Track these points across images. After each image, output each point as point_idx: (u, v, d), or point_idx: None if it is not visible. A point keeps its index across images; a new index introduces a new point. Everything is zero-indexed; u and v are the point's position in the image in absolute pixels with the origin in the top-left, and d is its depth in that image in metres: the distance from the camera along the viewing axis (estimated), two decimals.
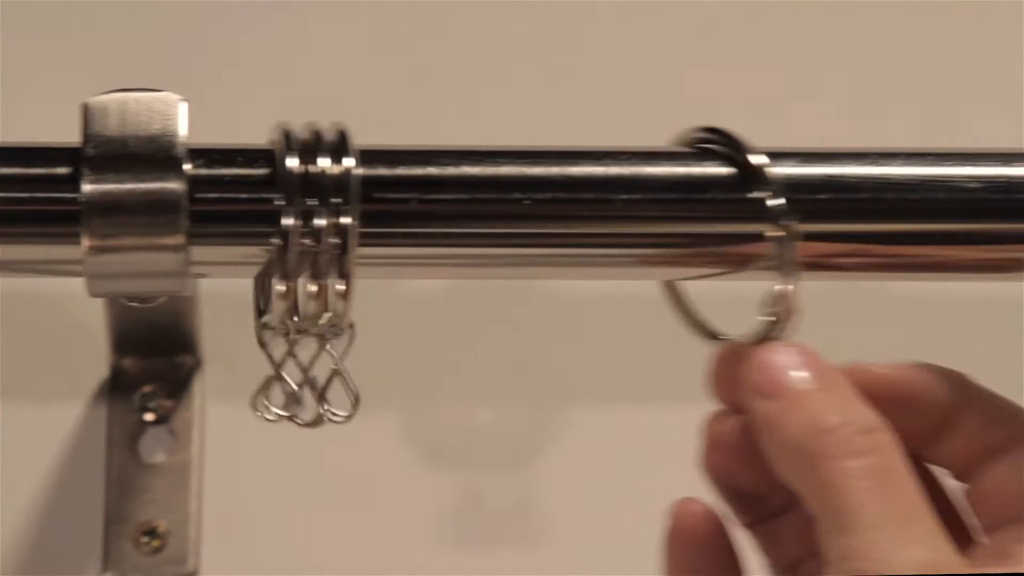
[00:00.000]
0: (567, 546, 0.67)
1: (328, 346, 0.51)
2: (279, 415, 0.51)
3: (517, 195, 0.51)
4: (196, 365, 0.68)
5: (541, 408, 0.68)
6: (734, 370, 0.49)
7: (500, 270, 0.54)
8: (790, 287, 0.49)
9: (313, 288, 0.50)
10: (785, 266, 0.49)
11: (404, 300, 0.69)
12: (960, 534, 0.50)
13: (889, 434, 0.47)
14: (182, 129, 0.50)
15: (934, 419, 0.50)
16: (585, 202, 0.52)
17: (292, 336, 0.51)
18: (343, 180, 0.49)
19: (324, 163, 0.49)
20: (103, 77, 0.66)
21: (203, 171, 0.51)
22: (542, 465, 0.68)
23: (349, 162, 0.50)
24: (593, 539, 0.67)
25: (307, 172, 0.49)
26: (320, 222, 0.49)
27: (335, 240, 0.49)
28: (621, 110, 0.69)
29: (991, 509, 0.50)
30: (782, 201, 0.49)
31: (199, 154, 0.51)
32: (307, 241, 0.49)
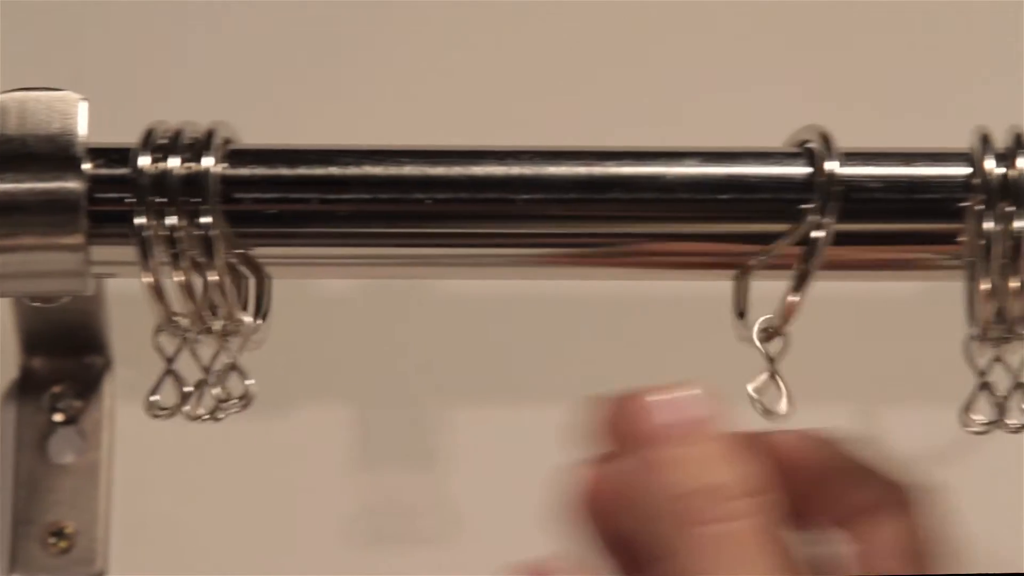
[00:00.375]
0: (480, 544, 0.67)
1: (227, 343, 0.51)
2: (169, 410, 0.51)
3: (418, 195, 0.52)
4: (106, 365, 0.68)
5: (450, 407, 0.68)
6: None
7: (405, 270, 0.54)
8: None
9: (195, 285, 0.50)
10: None
11: (318, 300, 0.68)
12: None
13: (766, 499, 0.46)
14: (81, 128, 0.50)
15: (803, 486, 0.50)
16: (487, 202, 0.52)
17: (192, 335, 0.51)
18: (199, 179, 0.49)
19: (176, 162, 0.50)
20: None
21: (103, 171, 0.50)
22: (451, 465, 0.68)
23: (208, 161, 0.50)
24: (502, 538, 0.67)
25: (165, 172, 0.49)
26: (171, 220, 0.49)
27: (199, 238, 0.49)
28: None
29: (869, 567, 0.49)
30: None
31: (99, 153, 0.50)
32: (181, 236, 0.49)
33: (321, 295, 0.68)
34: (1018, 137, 0.51)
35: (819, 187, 0.50)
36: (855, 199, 0.51)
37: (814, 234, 0.50)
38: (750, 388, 0.51)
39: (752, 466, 0.46)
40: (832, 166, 0.50)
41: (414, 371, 0.68)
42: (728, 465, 0.46)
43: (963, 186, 0.51)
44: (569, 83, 0.67)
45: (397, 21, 0.68)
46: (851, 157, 0.51)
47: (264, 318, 0.53)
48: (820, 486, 0.50)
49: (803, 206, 0.51)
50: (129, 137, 0.51)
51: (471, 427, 0.67)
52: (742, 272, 0.52)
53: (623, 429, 0.47)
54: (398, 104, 0.68)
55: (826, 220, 0.50)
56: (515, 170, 0.52)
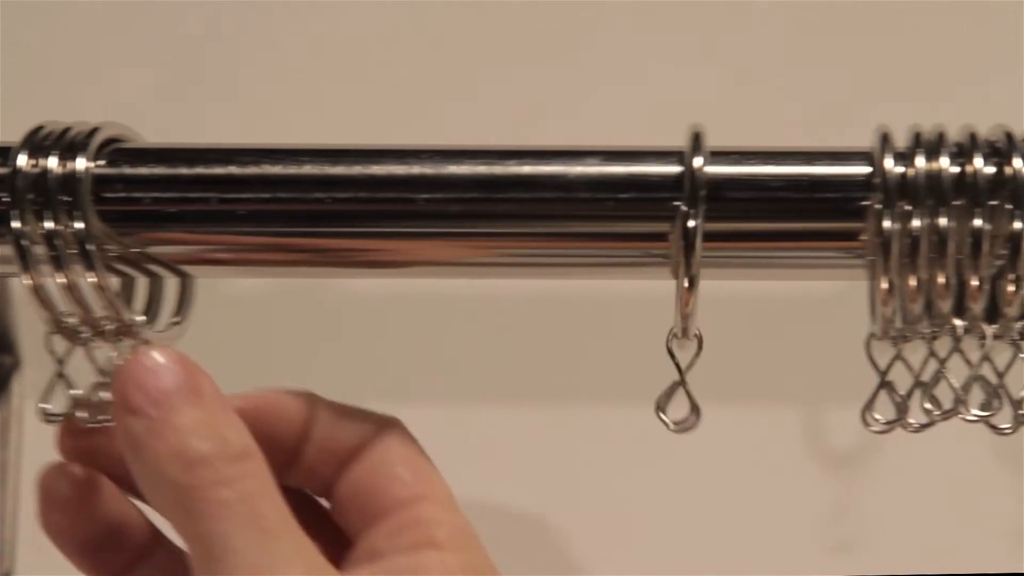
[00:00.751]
0: None
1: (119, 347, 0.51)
2: (62, 415, 0.50)
3: (318, 194, 0.51)
4: (14, 365, 0.67)
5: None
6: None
7: (305, 269, 0.53)
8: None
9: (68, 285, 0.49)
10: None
11: (227, 300, 0.68)
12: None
13: (258, 457, 0.46)
14: None
15: (290, 442, 0.50)
16: (387, 201, 0.51)
17: (85, 337, 0.51)
18: (72, 179, 0.49)
19: (54, 162, 0.49)
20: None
21: None
22: None
23: (81, 162, 0.49)
24: None
25: (44, 171, 0.49)
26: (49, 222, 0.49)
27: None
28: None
29: (355, 516, 0.50)
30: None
31: None
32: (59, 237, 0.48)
33: (228, 294, 0.68)
34: (917, 137, 0.51)
35: (686, 185, 0.50)
36: (753, 198, 0.51)
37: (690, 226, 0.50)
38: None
39: (236, 430, 0.46)
40: (699, 164, 0.50)
41: (321, 370, 0.67)
42: (237, 426, 0.46)
43: (863, 185, 0.51)
44: (472, 82, 0.67)
45: (298, 19, 0.67)
46: (749, 156, 0.51)
47: (180, 317, 0.53)
48: (306, 440, 0.50)
49: (676, 203, 0.50)
50: None
51: None
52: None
53: (122, 391, 0.46)
54: (297, 104, 0.67)
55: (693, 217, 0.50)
56: (415, 169, 0.51)
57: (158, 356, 0.46)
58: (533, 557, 0.67)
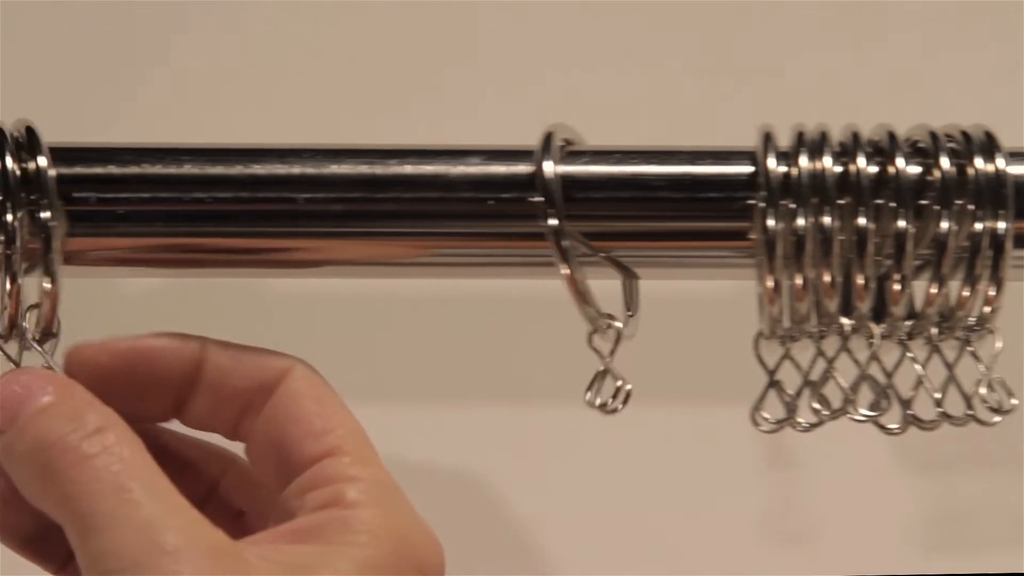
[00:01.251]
0: None
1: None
2: None
3: (198, 194, 0.50)
4: None
5: None
6: None
7: (183, 270, 0.53)
8: None
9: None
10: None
11: (119, 299, 0.67)
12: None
13: (117, 430, 0.45)
14: None
15: (181, 382, 0.49)
16: (268, 201, 0.51)
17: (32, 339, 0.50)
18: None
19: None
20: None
21: None
22: None
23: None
24: None
25: None
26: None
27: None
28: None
29: (270, 473, 0.49)
30: None
31: None
32: None
33: (121, 294, 0.67)
34: (800, 136, 0.50)
35: (540, 185, 0.50)
36: (637, 198, 0.51)
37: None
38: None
39: (95, 406, 0.46)
40: (548, 166, 0.50)
41: None
42: (92, 404, 0.46)
43: (747, 184, 0.51)
44: (360, 82, 0.67)
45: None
46: (631, 155, 0.51)
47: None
48: (198, 382, 0.50)
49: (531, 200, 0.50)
50: None
51: None
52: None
53: None
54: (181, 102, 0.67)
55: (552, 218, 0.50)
56: (296, 169, 0.51)
57: (18, 376, 0.47)
58: (485, 555, 0.67)
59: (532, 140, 0.51)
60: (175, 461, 0.50)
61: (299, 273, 0.52)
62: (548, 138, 0.50)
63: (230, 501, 0.51)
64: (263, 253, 0.51)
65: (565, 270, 0.49)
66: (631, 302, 0.53)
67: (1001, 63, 0.67)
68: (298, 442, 0.47)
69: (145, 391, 0.49)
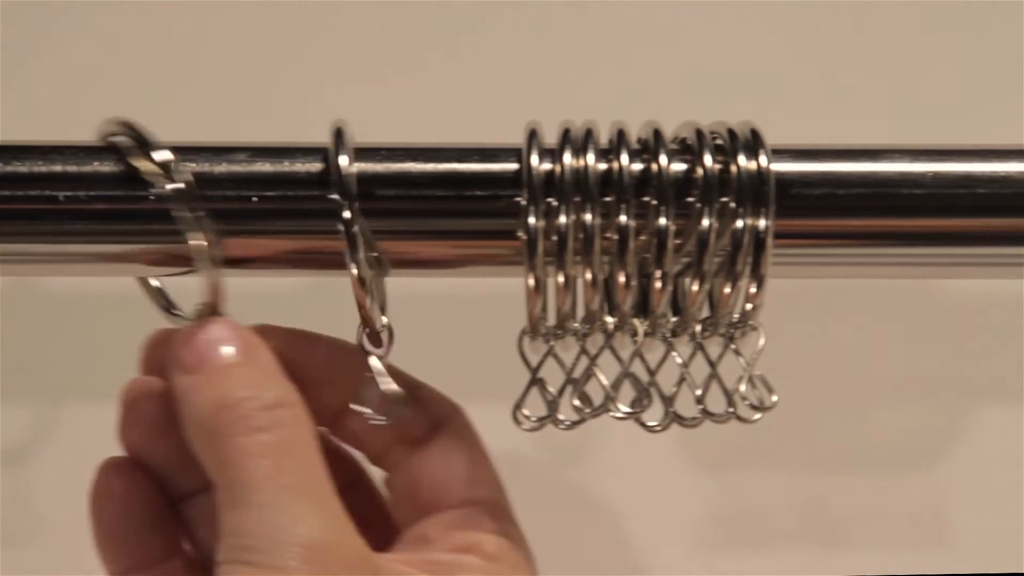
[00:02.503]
0: None
1: None
2: None
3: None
4: None
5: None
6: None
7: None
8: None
9: None
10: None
11: None
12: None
13: (295, 409, 0.46)
14: None
15: (350, 395, 0.50)
16: (27, 199, 0.50)
17: None
18: None
19: None
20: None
21: None
22: None
23: None
24: None
25: None
26: None
27: None
28: None
29: (408, 503, 0.50)
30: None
31: None
32: None
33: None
34: (566, 133, 0.50)
35: (334, 184, 0.49)
36: (411, 196, 0.51)
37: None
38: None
39: (278, 379, 0.47)
40: (343, 162, 0.49)
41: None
42: (277, 377, 0.47)
43: (513, 182, 0.51)
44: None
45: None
46: (395, 153, 0.51)
47: None
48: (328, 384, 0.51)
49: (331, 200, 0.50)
50: None
51: None
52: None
53: (177, 351, 0.47)
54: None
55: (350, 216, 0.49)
56: (58, 167, 0.50)
57: (214, 325, 0.47)
58: None
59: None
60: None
61: (64, 271, 0.52)
62: (339, 134, 0.50)
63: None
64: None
65: (361, 269, 0.49)
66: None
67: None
68: (451, 483, 0.50)
69: (313, 390, 0.49)
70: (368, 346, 0.51)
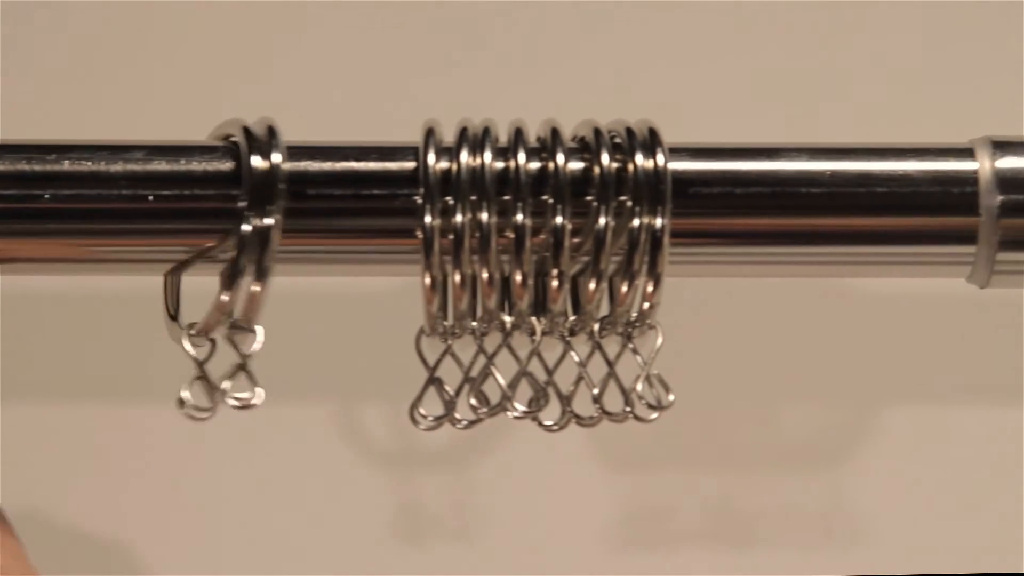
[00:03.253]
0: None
1: None
2: None
3: None
4: None
5: None
6: None
7: None
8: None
9: None
10: None
11: None
12: None
13: None
14: None
15: None
16: None
17: None
18: None
19: None
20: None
21: None
22: None
23: None
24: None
25: None
26: None
27: None
28: None
29: None
30: None
31: None
32: None
33: None
34: (463, 131, 0.50)
35: (244, 183, 0.49)
36: (307, 194, 0.51)
37: (245, 228, 0.49)
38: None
39: None
40: (256, 161, 0.49)
41: None
42: None
43: (411, 180, 0.50)
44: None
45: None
46: (293, 151, 0.50)
47: None
48: None
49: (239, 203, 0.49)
50: None
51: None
52: (174, 270, 0.50)
53: None
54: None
55: (254, 216, 0.49)
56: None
57: None
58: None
59: None
60: None
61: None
62: (246, 132, 0.50)
63: None
64: None
65: (263, 267, 0.48)
66: None
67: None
68: None
69: None
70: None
